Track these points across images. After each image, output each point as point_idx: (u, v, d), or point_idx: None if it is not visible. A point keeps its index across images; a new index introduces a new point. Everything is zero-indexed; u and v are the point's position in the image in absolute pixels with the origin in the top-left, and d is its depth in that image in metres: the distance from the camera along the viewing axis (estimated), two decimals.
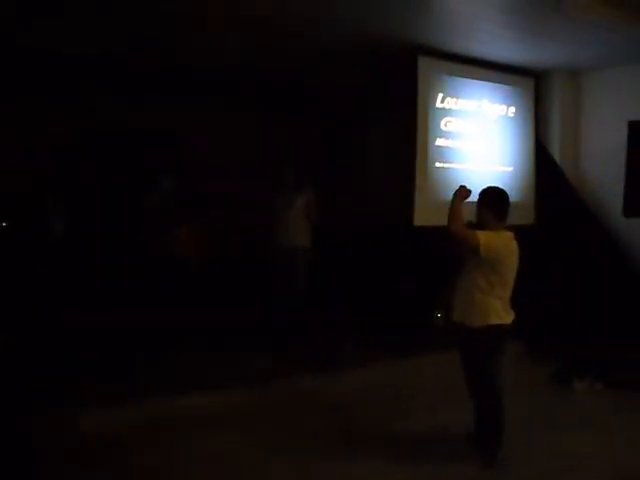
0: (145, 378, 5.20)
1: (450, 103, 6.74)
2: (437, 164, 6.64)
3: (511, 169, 7.30)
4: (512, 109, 7.30)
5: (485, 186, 4.51)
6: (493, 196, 4.39)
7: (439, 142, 6.67)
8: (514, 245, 4.28)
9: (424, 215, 6.43)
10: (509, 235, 4.29)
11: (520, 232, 4.42)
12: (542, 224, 7.24)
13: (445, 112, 6.71)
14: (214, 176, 7.65)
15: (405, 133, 6.58)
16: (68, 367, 5.00)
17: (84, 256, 6.35)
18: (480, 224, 4.34)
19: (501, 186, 4.55)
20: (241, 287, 7.24)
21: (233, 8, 5.17)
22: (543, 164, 7.47)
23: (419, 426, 5.01)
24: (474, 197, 4.53)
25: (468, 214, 4.57)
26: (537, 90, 7.53)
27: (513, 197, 4.48)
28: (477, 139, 7.00)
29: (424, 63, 6.48)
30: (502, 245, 4.18)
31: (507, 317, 4.25)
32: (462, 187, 4.41)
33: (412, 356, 6.24)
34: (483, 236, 4.12)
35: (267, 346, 6.21)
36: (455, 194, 4.37)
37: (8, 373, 4.91)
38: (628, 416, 5.34)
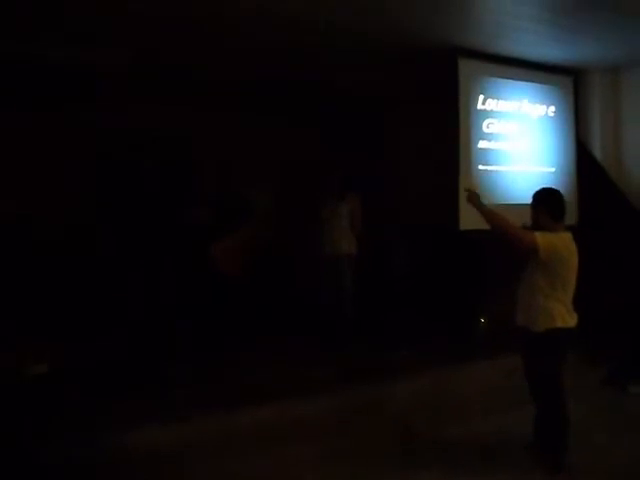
0: (195, 393, 5.15)
1: (491, 105, 6.66)
2: (480, 167, 6.57)
3: (553, 169, 7.20)
4: (552, 108, 7.21)
5: (538, 187, 4.45)
6: (547, 197, 4.33)
7: (482, 144, 6.59)
8: (573, 246, 4.21)
9: (470, 219, 6.29)
10: (568, 236, 4.21)
11: None
12: (585, 225, 7.12)
13: (487, 114, 6.63)
14: (252, 188, 7.60)
15: (446, 136, 6.52)
16: (119, 384, 4.98)
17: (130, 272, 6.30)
18: (536, 226, 4.26)
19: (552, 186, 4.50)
20: (286, 298, 7.21)
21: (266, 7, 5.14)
22: (584, 164, 7.36)
23: (475, 433, 4.96)
24: (519, 199, 4.48)
25: (523, 217, 4.52)
26: (576, 88, 7.42)
27: None
28: (519, 140, 6.92)
29: (464, 65, 6.42)
30: (562, 246, 4.11)
31: (571, 320, 4.18)
32: (467, 191, 4.42)
33: (462, 362, 6.15)
34: (541, 237, 4.05)
35: (317, 356, 6.17)
36: (470, 201, 4.34)
37: (54, 394, 4.87)
38: None
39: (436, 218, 6.97)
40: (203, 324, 6.00)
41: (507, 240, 4.21)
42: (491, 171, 6.64)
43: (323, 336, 6.33)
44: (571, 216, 7.12)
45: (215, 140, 7.36)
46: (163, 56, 6.32)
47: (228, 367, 5.78)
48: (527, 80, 6.93)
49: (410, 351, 6.31)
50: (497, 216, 4.24)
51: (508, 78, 6.78)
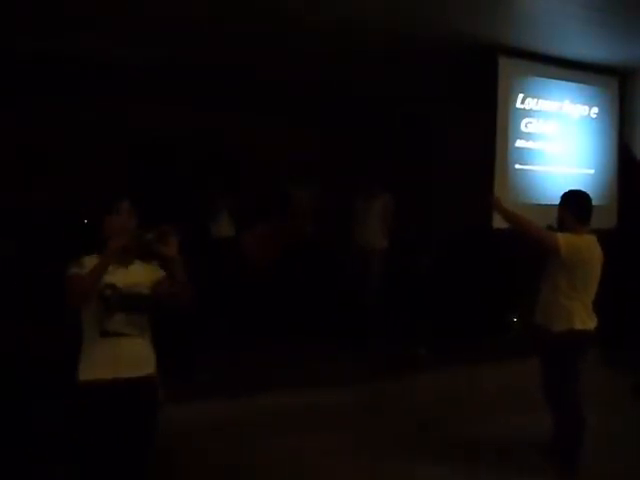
0: (214, 378, 5.27)
1: (531, 104, 6.62)
2: (517, 166, 6.54)
3: (593, 171, 7.11)
4: (595, 110, 7.11)
5: (567, 189, 4.42)
6: (575, 199, 4.28)
7: (519, 144, 6.56)
8: (598, 249, 4.16)
9: None
10: (592, 239, 4.17)
11: (602, 236, 4.30)
12: (625, 228, 7.01)
13: (525, 113, 6.60)
14: (285, 182, 7.69)
15: (484, 134, 6.50)
16: None
17: None
18: (562, 228, 4.24)
19: (582, 189, 4.46)
20: (314, 290, 7.27)
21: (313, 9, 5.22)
22: (627, 166, 7.24)
23: (491, 433, 4.88)
24: (555, 200, 4.45)
25: (549, 218, 4.50)
26: (621, 90, 7.30)
27: (595, 200, 4.36)
28: (558, 141, 6.85)
29: (504, 63, 6.40)
30: (585, 248, 4.08)
31: (590, 322, 4.13)
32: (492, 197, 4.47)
33: (486, 361, 6.14)
34: (563, 238, 4.03)
35: (338, 349, 6.23)
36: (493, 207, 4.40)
37: None
38: None
39: (470, 216, 6.95)
40: (228, 312, 6.11)
41: (529, 240, 4.22)
42: (528, 170, 6.60)
43: (348, 329, 6.40)
44: (610, 219, 7.06)
45: (254, 140, 7.51)
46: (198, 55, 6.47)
47: (249, 355, 5.86)
48: (569, 80, 6.86)
49: (431, 350, 6.32)
50: (517, 217, 4.23)
51: (549, 77, 6.72)
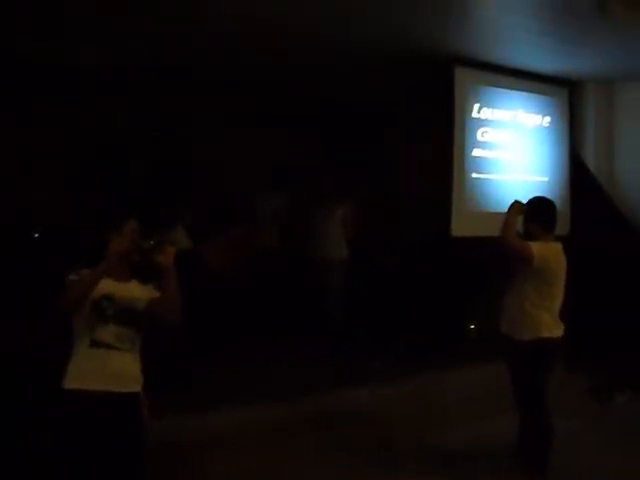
0: (174, 391, 5.13)
1: (486, 113, 6.72)
2: (474, 174, 6.62)
3: (546, 179, 7.24)
4: (547, 119, 7.26)
5: (531, 197, 4.45)
6: (540, 207, 4.33)
7: (476, 152, 6.64)
8: (563, 257, 4.23)
9: (461, 226, 6.41)
10: (558, 247, 4.23)
11: None
12: (577, 234, 7.15)
13: (481, 122, 6.69)
14: (245, 190, 7.59)
15: (441, 144, 6.55)
16: None
17: None
18: (527, 236, 4.28)
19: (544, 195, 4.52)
20: (275, 299, 7.20)
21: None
22: (578, 174, 7.40)
23: (456, 440, 4.91)
24: None
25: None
26: (571, 100, 7.47)
27: None
28: (513, 149, 6.97)
29: (460, 73, 6.48)
30: (553, 258, 4.14)
31: (557, 330, 4.18)
32: (517, 202, 4.35)
33: (446, 368, 6.17)
34: (536, 248, 4.06)
35: (300, 358, 6.17)
36: (510, 209, 4.31)
37: None
38: None
39: (429, 225, 6.99)
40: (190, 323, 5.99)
41: (508, 250, 4.21)
42: (485, 179, 6.69)
43: (310, 339, 6.34)
44: (563, 226, 7.18)
45: (213, 143, 7.41)
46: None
47: (210, 367, 5.73)
48: (523, 90, 6.99)
49: (393, 358, 6.30)
50: (511, 228, 4.22)
51: (504, 87, 6.84)
